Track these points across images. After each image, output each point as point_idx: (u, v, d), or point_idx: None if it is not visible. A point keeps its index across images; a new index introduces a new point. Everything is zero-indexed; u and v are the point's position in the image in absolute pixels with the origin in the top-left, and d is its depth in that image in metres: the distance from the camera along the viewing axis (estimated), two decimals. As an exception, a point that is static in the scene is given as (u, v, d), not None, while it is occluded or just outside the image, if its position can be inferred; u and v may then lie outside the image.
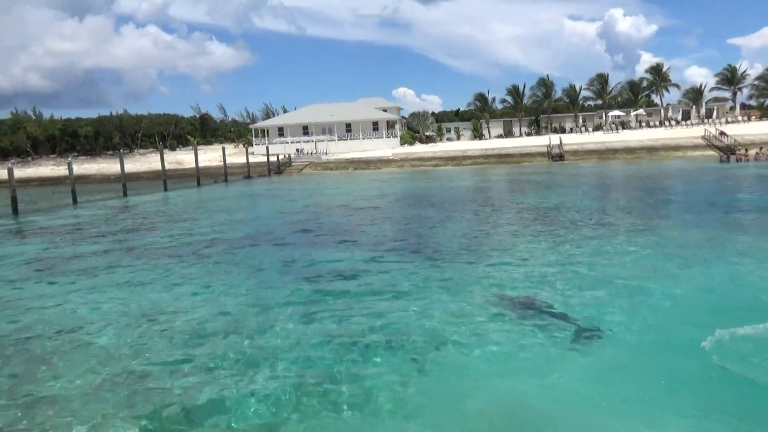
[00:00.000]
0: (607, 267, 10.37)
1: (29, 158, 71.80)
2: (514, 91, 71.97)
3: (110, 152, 71.18)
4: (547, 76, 72.78)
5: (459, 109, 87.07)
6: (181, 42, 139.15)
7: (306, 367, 6.54)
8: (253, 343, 7.36)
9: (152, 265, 12.47)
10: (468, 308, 8.34)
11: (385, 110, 68.44)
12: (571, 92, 71.36)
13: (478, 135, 68.98)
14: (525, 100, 72.03)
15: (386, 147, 59.86)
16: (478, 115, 72.42)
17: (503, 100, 73.61)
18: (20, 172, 51.44)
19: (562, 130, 66.56)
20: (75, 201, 30.25)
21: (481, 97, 73.43)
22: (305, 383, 6.14)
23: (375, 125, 63.38)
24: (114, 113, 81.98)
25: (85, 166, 60.82)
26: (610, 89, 70.48)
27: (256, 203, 26.65)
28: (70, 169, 32.52)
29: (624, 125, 63.34)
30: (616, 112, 65.45)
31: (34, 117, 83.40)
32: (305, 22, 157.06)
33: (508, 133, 70.12)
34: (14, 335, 8.17)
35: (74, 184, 31.64)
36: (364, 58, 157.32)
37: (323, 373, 6.37)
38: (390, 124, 63.98)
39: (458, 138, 69.37)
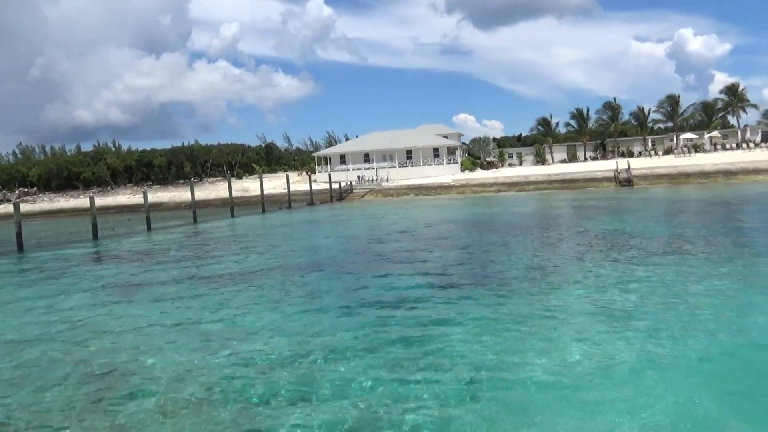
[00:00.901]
0: (687, 298, 9.81)
1: (108, 187, 76.24)
2: (579, 115, 70.49)
3: (182, 181, 74.57)
4: (614, 99, 70.96)
5: (521, 134, 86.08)
6: (248, 75, 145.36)
7: (362, 395, 6.47)
8: (313, 370, 7.36)
9: (219, 290, 12.82)
10: (533, 340, 8.06)
11: (445, 136, 68.50)
12: (640, 115, 69.15)
13: (541, 160, 67.80)
14: (590, 124, 70.35)
15: (447, 173, 59.75)
16: (540, 139, 71.29)
17: (567, 124, 72.22)
18: (100, 201, 54.51)
19: (630, 154, 64.46)
20: (149, 227, 31.75)
21: (544, 122, 72.33)
22: (361, 412, 6.07)
23: (435, 151, 63.48)
24: (186, 144, 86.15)
25: (159, 194, 63.84)
26: (681, 111, 67.75)
27: (319, 229, 27.08)
28: (145, 197, 34.28)
29: (697, 148, 60.62)
30: (689, 135, 62.73)
31: (113, 149, 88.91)
32: (367, 52, 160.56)
33: (572, 158, 68.54)
34: (89, 355, 8.54)
35: (148, 211, 33.23)
36: (424, 85, 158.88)
37: (381, 401, 6.28)
38: (450, 150, 63.91)
39: (520, 163, 68.42)
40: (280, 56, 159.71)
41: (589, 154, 68.96)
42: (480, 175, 57.91)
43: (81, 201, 63.88)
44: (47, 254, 23.07)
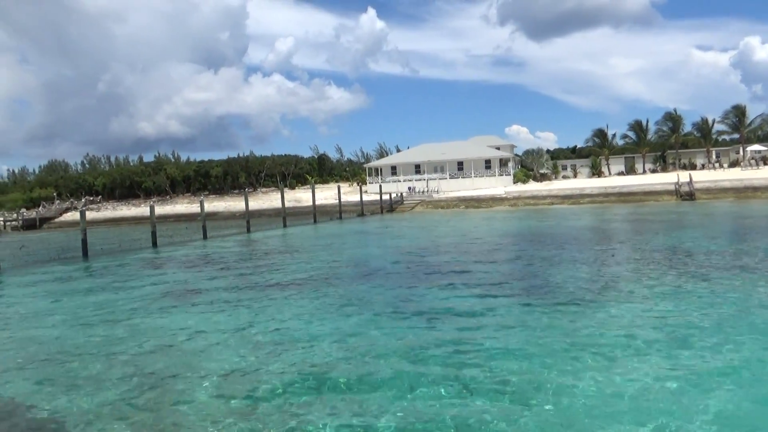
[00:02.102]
0: (749, 318, 9.37)
1: (168, 197, 79.28)
2: (637, 126, 68.48)
3: (237, 191, 76.69)
4: (675, 110, 68.58)
5: (576, 146, 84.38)
6: (302, 88, 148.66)
7: (406, 407, 6.49)
8: (359, 380, 7.44)
9: (270, 297, 13.13)
10: (585, 353, 7.88)
11: (497, 148, 67.87)
12: (703, 126, 66.51)
13: (596, 172, 66.12)
14: (649, 136, 68.16)
15: (499, 185, 59.10)
16: (596, 151, 69.56)
17: (624, 136, 70.29)
18: (159, 209, 56.68)
19: (692, 167, 62.07)
20: (205, 236, 32.82)
21: (600, 133, 70.63)
22: (405, 423, 6.09)
23: (487, 163, 62.93)
24: (241, 155, 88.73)
25: (215, 204, 65.86)
26: (748, 122, 64.73)
27: (369, 240, 27.29)
28: (201, 206, 35.51)
29: (766, 161, 57.72)
30: (757, 147, 59.77)
31: (173, 159, 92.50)
32: (418, 64, 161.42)
33: (630, 170, 66.55)
34: (144, 357, 8.91)
35: (205, 220, 34.38)
36: (476, 97, 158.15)
37: (429, 414, 6.28)
38: (503, 162, 63.21)
39: (575, 176, 66.96)
40: (332, 69, 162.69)
41: (648, 166, 66.76)
42: (533, 187, 56.99)
43: (142, 209, 66.69)
44: (110, 260, 24.19)
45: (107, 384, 7.80)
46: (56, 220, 70.46)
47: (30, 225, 67.50)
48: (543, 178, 64.28)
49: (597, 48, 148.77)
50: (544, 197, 50.82)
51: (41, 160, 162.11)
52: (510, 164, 63.58)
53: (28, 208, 75.73)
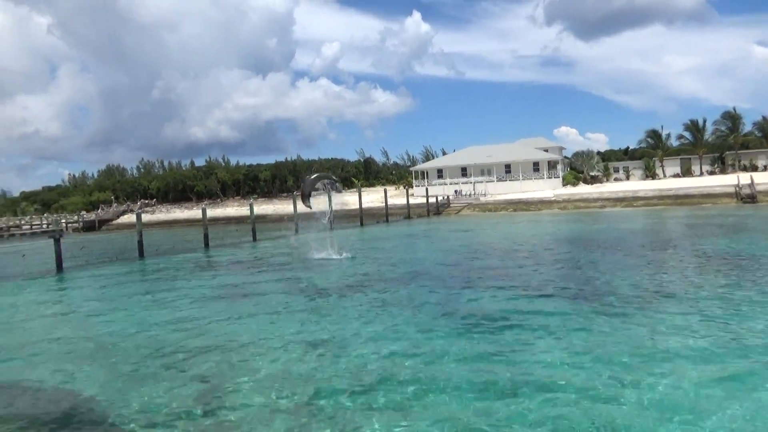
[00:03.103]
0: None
1: (218, 200, 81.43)
2: (693, 126, 66.00)
3: (285, 194, 78.05)
4: (734, 109, 65.77)
5: (628, 148, 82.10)
6: (348, 92, 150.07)
7: (454, 410, 6.45)
8: (410, 383, 7.45)
9: (318, 299, 13.29)
10: (641, 362, 7.64)
11: (546, 150, 66.69)
12: (765, 125, 63.56)
13: (650, 174, 64.11)
14: (706, 136, 65.58)
15: (547, 188, 58.05)
16: (650, 152, 67.44)
17: (680, 137, 67.89)
18: (211, 212, 58.12)
19: (754, 168, 59.35)
20: (254, 238, 33.53)
21: (654, 134, 68.44)
22: (459, 429, 6.06)
23: (535, 165, 61.94)
24: (289, 159, 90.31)
25: (263, 207, 67.17)
26: (815, 120, 61.45)
27: (416, 243, 27.27)
28: (251, 209, 36.34)
29: (835, 161, 54.64)
30: (825, 146, 56.68)
31: (223, 163, 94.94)
32: (464, 66, 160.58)
33: (686, 172, 64.19)
34: (197, 356, 9.17)
35: (254, 223, 35.12)
36: (524, 98, 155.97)
37: (478, 418, 6.23)
38: (551, 165, 62.10)
39: (627, 178, 65.12)
40: (378, 73, 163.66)
41: (706, 168, 64.23)
42: (583, 189, 55.71)
43: (194, 212, 68.68)
44: (165, 261, 25.03)
45: (161, 380, 8.07)
46: (114, 222, 73.43)
47: (89, 227, 70.60)
48: (593, 180, 62.75)
49: (649, 46, 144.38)
50: (595, 200, 49.58)
51: (99, 164, 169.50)
52: (559, 166, 62.35)
53: (87, 211, 79.31)
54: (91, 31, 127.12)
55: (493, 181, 61.71)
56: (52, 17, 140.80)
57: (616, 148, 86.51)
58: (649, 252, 18.87)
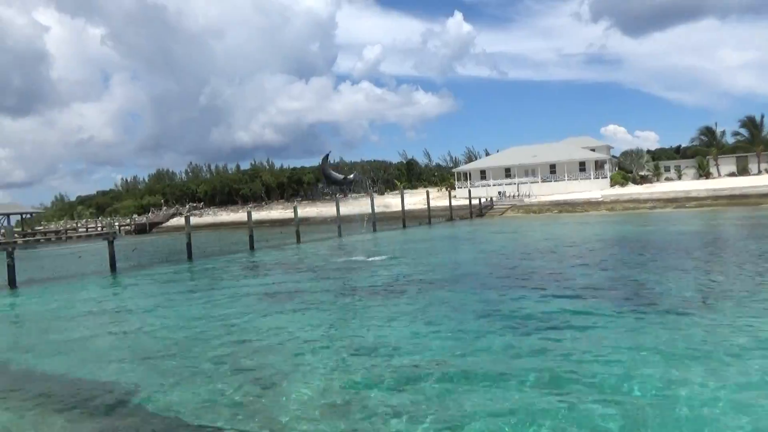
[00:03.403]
0: None
1: (263, 202, 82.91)
2: (750, 123, 63.26)
3: (328, 197, 78.79)
4: (794, 104, 62.68)
5: (680, 146, 79.40)
6: (390, 94, 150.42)
7: (502, 414, 6.38)
8: (454, 386, 7.41)
9: (361, 300, 13.38)
10: (691, 366, 7.39)
11: (593, 149, 65.17)
12: (828, 121, 60.36)
13: (704, 173, 61.79)
14: (764, 133, 62.77)
15: (594, 188, 56.69)
16: (703, 151, 64.96)
17: (736, 134, 65.13)
18: (256, 215, 59.20)
19: (817, 166, 56.41)
20: (299, 240, 34.02)
21: (708, 131, 65.95)
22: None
23: (582, 165, 60.62)
24: (332, 161, 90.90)
25: (307, 209, 68.02)
26: None
27: (458, 245, 27.10)
28: (295, 212, 36.90)
29: None
30: None
31: (268, 167, 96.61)
32: (507, 66, 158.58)
33: (742, 171, 61.57)
34: (243, 354, 9.37)
35: (298, 225, 35.63)
36: (569, 97, 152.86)
37: (521, 422, 6.15)
38: (598, 164, 60.65)
39: (679, 177, 62.94)
40: (420, 75, 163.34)
41: (764, 166, 61.43)
42: (632, 190, 54.19)
43: (239, 215, 70.20)
44: (212, 262, 25.69)
45: (208, 376, 8.29)
46: (164, 224, 75.77)
47: (141, 229, 73.08)
48: (643, 180, 60.94)
49: (701, 41, 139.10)
50: (645, 201, 48.14)
51: (150, 169, 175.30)
52: (606, 166, 60.84)
53: (139, 214, 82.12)
54: (142, 41, 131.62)
55: (538, 182, 60.69)
56: (105, 28, 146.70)
57: (667, 146, 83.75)
58: (703, 254, 18.20)
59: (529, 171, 62.40)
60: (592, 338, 8.96)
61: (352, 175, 29.07)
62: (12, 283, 20.99)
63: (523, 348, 8.67)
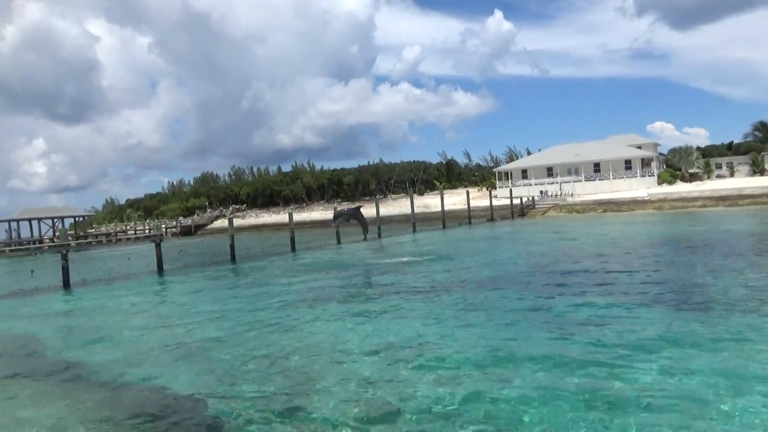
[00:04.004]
0: None
1: (304, 204, 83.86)
2: (808, 117, 60.35)
3: (367, 197, 79.07)
4: None
5: (732, 142, 76.54)
6: (429, 95, 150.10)
7: (550, 426, 6.24)
8: (496, 394, 7.30)
9: (403, 302, 13.34)
10: (751, 374, 7.07)
11: (639, 147, 63.47)
12: None
13: (758, 170, 59.33)
14: (824, 126, 59.85)
15: (640, 187, 55.19)
16: (758, 147, 62.43)
17: (792, 128, 62.27)
18: (297, 216, 60.00)
19: None
20: (338, 241, 34.27)
21: (762, 126, 63.45)
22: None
23: (627, 163, 59.13)
24: (371, 162, 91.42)
25: (347, 211, 68.29)
26: None
27: (499, 246, 26.78)
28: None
29: None
30: None
31: (308, 169, 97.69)
32: (549, 63, 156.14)
33: (800, 167, 58.85)
34: (282, 355, 9.47)
35: (338, 226, 35.85)
36: (613, 94, 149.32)
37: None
38: (645, 162, 59.03)
39: (732, 174, 60.64)
40: (459, 75, 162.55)
41: (824, 161, 58.60)
42: (681, 188, 52.49)
43: (281, 216, 71.25)
44: (255, 264, 26.12)
45: (253, 378, 8.40)
46: (208, 227, 77.62)
47: (186, 231, 75.03)
48: (693, 178, 58.94)
49: (753, 32, 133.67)
50: (695, 199, 46.54)
51: (195, 172, 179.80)
52: (653, 164, 59.13)
53: (185, 216, 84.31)
54: (186, 48, 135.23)
55: (581, 180, 59.47)
56: (152, 36, 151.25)
57: (718, 142, 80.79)
58: (759, 256, 17.44)
59: (572, 170, 61.21)
60: (645, 346, 8.68)
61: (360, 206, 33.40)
62: (66, 284, 21.84)
63: (571, 356, 8.45)
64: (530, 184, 61.85)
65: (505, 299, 12.91)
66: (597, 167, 60.09)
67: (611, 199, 50.53)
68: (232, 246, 28.76)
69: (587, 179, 59.45)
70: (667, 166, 62.63)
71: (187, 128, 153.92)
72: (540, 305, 11.95)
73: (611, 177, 58.37)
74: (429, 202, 63.61)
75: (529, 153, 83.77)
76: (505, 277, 16.42)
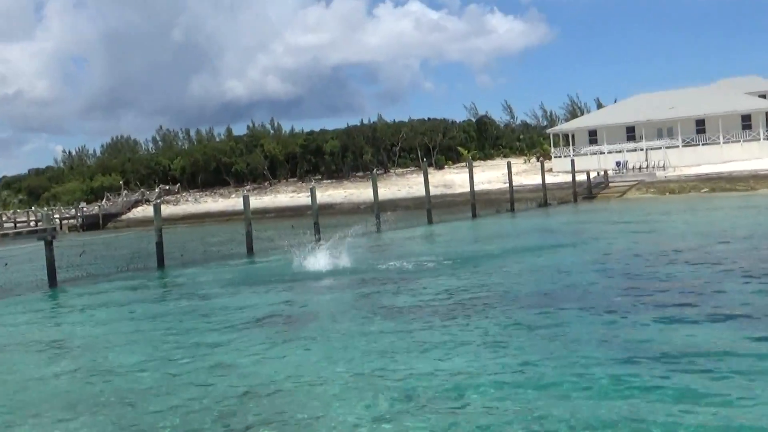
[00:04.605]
0: None
1: (266, 183, 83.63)
2: None
3: (360, 173, 78.90)
4: None
5: None
6: (451, 20, 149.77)
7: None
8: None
9: (411, 328, 13.27)
10: None
11: (763, 96, 63.22)
12: None
13: None
14: None
15: (766, 155, 55.06)
16: None
17: None
18: (256, 201, 60.02)
19: None
20: (318, 237, 34.15)
21: None
22: None
23: (745, 120, 58.94)
24: (365, 122, 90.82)
25: (330, 193, 68.38)
26: None
27: (556, 244, 26.71)
28: (313, 196, 37.05)
29: None
30: None
31: (272, 131, 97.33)
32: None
33: None
34: (235, 403, 9.40)
35: (318, 215, 35.81)
36: (724, 20, 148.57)
37: None
38: (772, 118, 58.86)
39: None
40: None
41: None
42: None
43: (232, 201, 71.15)
44: (193, 271, 26.02)
45: (193, 444, 8.35)
46: (123, 217, 77.61)
47: (92, 224, 74.99)
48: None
49: None
50: None
51: (103, 137, 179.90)
52: (785, 121, 59.02)
53: (88, 202, 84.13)
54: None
55: (678, 146, 59.33)
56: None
57: None
58: None
59: (663, 130, 61.06)
60: (757, 384, 8.62)
61: None
62: None
63: (661, 407, 8.39)
64: (602, 152, 61.69)
65: (562, 324, 12.85)
66: (700, 126, 59.91)
67: (722, 173, 50.43)
68: (159, 245, 28.66)
69: (686, 144, 59.30)
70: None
71: (90, 72, 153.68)
72: (618, 329, 11.92)
73: (721, 141, 58.21)
74: (452, 180, 63.58)
75: (600, 106, 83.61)
76: (564, 290, 16.39)
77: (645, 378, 9.34)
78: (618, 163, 58.73)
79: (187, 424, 9.06)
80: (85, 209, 79.29)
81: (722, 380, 9.04)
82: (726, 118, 58.93)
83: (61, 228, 73.63)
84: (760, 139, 57.53)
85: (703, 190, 48.34)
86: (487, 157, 79.80)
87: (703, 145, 58.94)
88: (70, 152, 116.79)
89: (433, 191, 44.65)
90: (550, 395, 8.96)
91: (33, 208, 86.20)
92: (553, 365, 10.26)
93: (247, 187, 79.71)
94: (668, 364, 9.85)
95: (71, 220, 76.12)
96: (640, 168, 57.23)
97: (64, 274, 26.93)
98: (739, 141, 57.97)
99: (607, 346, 11.03)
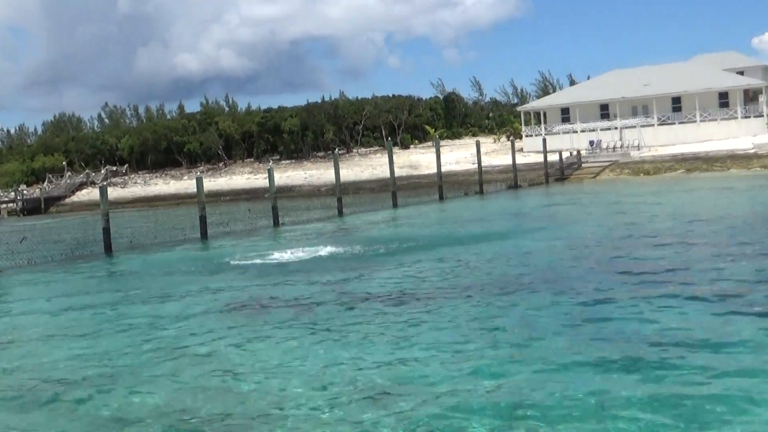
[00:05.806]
0: None
1: (221, 164, 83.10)
2: None
3: (321, 153, 78.72)
4: None
5: None
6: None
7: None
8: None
9: (376, 318, 13.33)
10: None
11: (741, 73, 64.08)
12: None
13: None
14: None
15: (744, 133, 55.88)
16: None
17: None
18: (210, 183, 59.72)
19: None
20: (276, 222, 34.05)
21: None
22: None
23: (723, 98, 59.70)
24: (327, 98, 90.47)
25: (289, 174, 68.13)
26: None
27: (527, 227, 26.92)
28: (270, 177, 36.81)
29: None
30: None
31: (227, 108, 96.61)
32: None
33: None
34: (189, 399, 9.35)
35: (276, 198, 35.63)
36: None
37: None
38: (750, 96, 59.80)
39: None
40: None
41: None
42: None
43: (185, 184, 70.57)
44: (143, 258, 25.77)
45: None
46: (67, 200, 76.56)
47: (33, 208, 73.88)
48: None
49: None
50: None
51: (45, 114, 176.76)
52: (762, 98, 59.86)
53: (29, 184, 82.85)
54: None
55: (653, 125, 59.94)
56: None
57: None
58: None
59: (638, 108, 61.64)
60: (746, 374, 8.78)
61: None
62: None
63: (639, 398, 8.50)
64: (574, 131, 62.14)
65: (534, 311, 12.97)
66: (677, 103, 60.56)
67: (698, 153, 51.08)
68: (106, 230, 28.36)
69: (662, 122, 59.92)
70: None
71: (30, 43, 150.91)
72: (589, 317, 12.04)
73: (698, 119, 58.90)
74: (418, 160, 63.69)
75: (572, 83, 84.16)
76: (534, 276, 16.54)
77: (614, 361, 9.46)
78: (591, 143, 59.17)
79: (128, 416, 9.00)
80: (25, 192, 78.04)
81: (696, 359, 9.20)
82: (703, 96, 59.59)
83: (0, 213, 72.56)
84: (737, 118, 58.27)
85: (678, 170, 48.96)
86: (455, 135, 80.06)
87: (679, 123, 59.59)
88: (8, 131, 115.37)
89: (398, 172, 44.64)
90: (518, 381, 9.04)
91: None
92: (520, 352, 10.36)
93: (201, 168, 79.10)
94: (640, 345, 9.99)
95: (10, 204, 74.88)
96: (614, 148, 57.74)
97: (4, 262, 26.57)
98: (716, 119, 58.66)
99: (575, 331, 11.18)
